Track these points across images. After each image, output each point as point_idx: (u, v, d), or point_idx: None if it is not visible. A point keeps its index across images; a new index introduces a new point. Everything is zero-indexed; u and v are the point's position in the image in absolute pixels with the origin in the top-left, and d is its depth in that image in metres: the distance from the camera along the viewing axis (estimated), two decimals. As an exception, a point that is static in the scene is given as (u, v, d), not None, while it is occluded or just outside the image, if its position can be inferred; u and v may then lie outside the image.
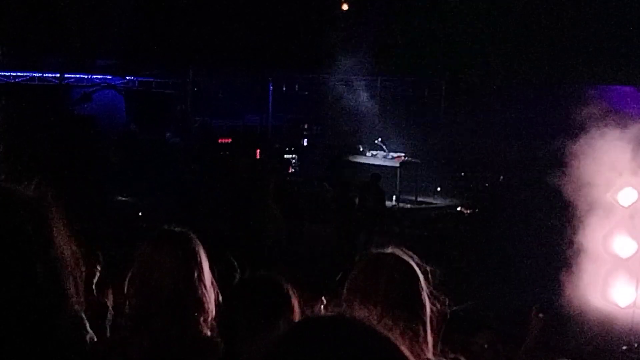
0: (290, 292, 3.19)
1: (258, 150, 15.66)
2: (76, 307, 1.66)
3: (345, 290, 3.37)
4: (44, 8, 14.79)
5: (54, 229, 1.67)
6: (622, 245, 10.68)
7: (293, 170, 15.93)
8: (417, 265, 3.38)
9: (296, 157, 16.09)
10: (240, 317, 3.01)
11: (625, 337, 10.68)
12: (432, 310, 3.36)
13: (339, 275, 9.53)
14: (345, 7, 15.79)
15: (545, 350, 10.88)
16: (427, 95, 15.88)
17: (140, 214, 13.30)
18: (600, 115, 13.85)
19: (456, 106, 14.94)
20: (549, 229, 12.39)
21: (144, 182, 13.53)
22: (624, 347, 10.57)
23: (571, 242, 11.66)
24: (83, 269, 1.77)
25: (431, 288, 3.37)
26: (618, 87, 15.15)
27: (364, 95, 16.37)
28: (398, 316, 3.07)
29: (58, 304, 1.62)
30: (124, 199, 14.24)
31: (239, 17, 15.35)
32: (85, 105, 15.95)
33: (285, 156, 16.05)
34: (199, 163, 14.99)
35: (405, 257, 3.36)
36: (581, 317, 11.14)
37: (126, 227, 11.61)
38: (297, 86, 16.77)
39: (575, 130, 13.75)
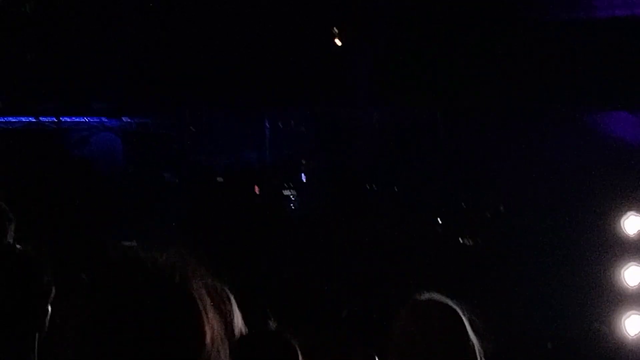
0: (297, 350, 3.16)
1: (257, 188, 15.69)
2: None
3: (393, 344, 3.35)
4: (38, 52, 14.80)
5: (202, 299, 1.62)
6: (629, 273, 10.73)
7: (293, 206, 15.92)
8: (461, 310, 3.38)
9: (295, 192, 16.08)
10: None
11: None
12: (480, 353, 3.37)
13: (345, 313, 9.54)
14: (339, 42, 15.81)
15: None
16: (425, 127, 15.89)
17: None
18: (598, 141, 13.95)
19: (455, 137, 14.96)
20: (554, 258, 12.42)
21: (146, 226, 13.51)
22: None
23: (577, 271, 11.71)
24: (227, 348, 1.72)
25: (477, 335, 3.37)
26: (613, 112, 15.22)
27: (361, 128, 16.38)
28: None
29: None
30: (127, 243, 14.20)
31: (233, 56, 15.37)
32: (83, 149, 15.95)
33: (284, 192, 16.04)
34: (198, 203, 15.00)
35: (452, 305, 3.36)
36: (591, 345, 11.17)
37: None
38: (293, 121, 16.76)
39: (574, 157, 13.85)
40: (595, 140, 14.46)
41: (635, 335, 10.69)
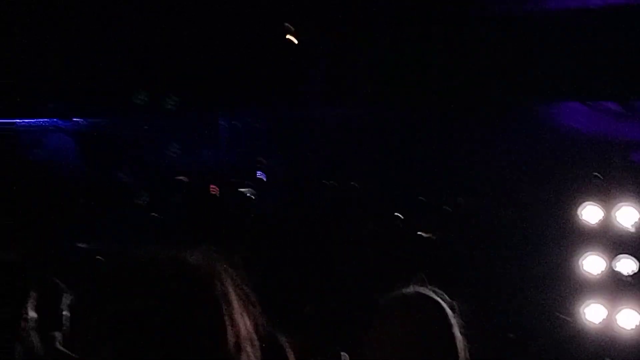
0: (286, 345, 3.15)
1: (214, 187, 15.64)
2: None
3: (370, 340, 3.33)
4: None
5: (233, 296, 1.60)
6: (588, 262, 10.85)
7: (251, 204, 15.88)
8: (447, 304, 3.37)
9: (252, 190, 16.05)
10: None
11: (596, 353, 10.83)
12: (465, 354, 3.36)
13: (307, 307, 9.52)
14: (294, 39, 15.78)
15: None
16: (381, 123, 15.92)
17: (99, 258, 13.15)
18: (552, 132, 14.08)
19: (411, 133, 15.02)
20: (514, 249, 12.53)
21: (102, 227, 13.41)
22: (595, 363, 10.70)
23: (536, 261, 11.82)
24: (257, 347, 1.70)
25: (463, 329, 3.37)
26: (565, 103, 15.35)
27: (319, 126, 16.38)
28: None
29: None
30: (82, 245, 14.08)
31: (186, 53, 15.28)
32: (36, 151, 15.79)
33: (242, 190, 16.00)
34: (156, 203, 14.92)
35: (437, 298, 3.34)
36: (552, 334, 11.28)
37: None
38: (249, 119, 16.71)
39: (529, 149, 13.98)
40: (550, 131, 14.58)
41: (595, 323, 10.82)
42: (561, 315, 11.33)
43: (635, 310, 10.33)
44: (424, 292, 3.51)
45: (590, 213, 11.07)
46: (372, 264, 12.60)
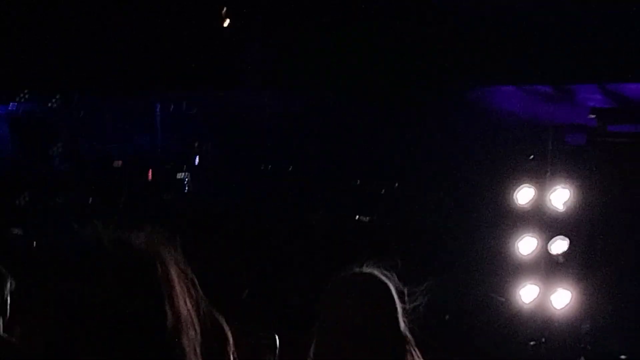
0: (226, 328, 3.15)
1: (150, 171, 15.54)
2: None
3: (321, 316, 3.33)
4: None
5: (175, 278, 1.60)
6: (523, 243, 10.97)
7: (187, 189, 15.81)
8: (395, 286, 3.37)
9: (188, 175, 15.97)
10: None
11: (532, 332, 10.96)
12: (409, 335, 3.37)
13: (245, 293, 9.51)
14: (226, 22, 15.70)
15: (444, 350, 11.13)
16: (317, 108, 15.94)
17: (34, 244, 13.04)
18: (488, 116, 14.20)
19: (346, 118, 15.04)
20: (450, 232, 12.62)
21: (37, 213, 13.27)
22: (532, 343, 10.85)
23: (472, 244, 11.94)
24: (197, 329, 1.69)
25: (407, 313, 3.37)
26: (500, 87, 15.47)
27: (253, 111, 16.33)
28: (381, 346, 3.08)
29: None
30: (16, 232, 13.92)
31: (120, 38, 15.13)
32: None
33: (178, 176, 15.92)
34: (92, 189, 14.79)
35: (385, 279, 3.34)
36: (488, 315, 11.40)
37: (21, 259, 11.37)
38: (184, 104, 16.61)
39: (463, 133, 14.08)
40: (484, 114, 14.71)
41: (530, 304, 10.95)
42: (497, 297, 11.46)
43: (568, 290, 10.49)
44: (372, 272, 3.51)
45: (525, 195, 11.18)
46: (308, 247, 12.64)
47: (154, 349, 1.55)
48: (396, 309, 3.45)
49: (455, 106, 14.79)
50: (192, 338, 1.63)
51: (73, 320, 1.54)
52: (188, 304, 1.64)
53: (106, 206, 13.96)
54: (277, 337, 6.52)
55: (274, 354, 6.40)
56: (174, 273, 1.62)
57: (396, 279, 3.53)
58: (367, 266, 3.57)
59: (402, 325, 3.45)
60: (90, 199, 14.44)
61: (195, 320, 1.68)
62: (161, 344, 1.56)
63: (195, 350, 1.64)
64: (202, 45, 15.37)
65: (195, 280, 1.70)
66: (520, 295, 10.86)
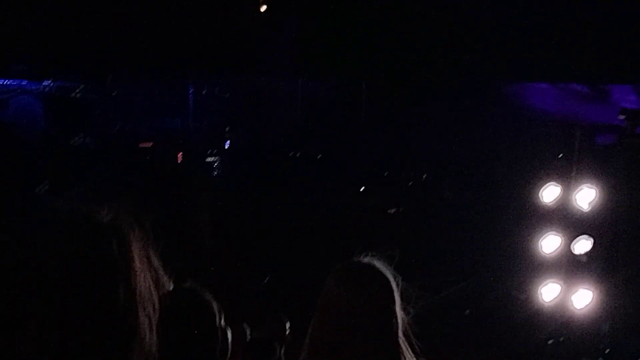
0: (214, 306, 3.14)
1: (180, 154, 15.60)
2: (150, 346, 1.61)
3: (319, 303, 3.32)
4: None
5: (135, 256, 1.60)
6: (547, 241, 10.87)
7: (216, 173, 15.87)
8: (394, 277, 3.35)
9: (219, 159, 16.02)
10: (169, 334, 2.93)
11: (552, 331, 10.87)
12: (404, 324, 3.35)
13: (266, 279, 9.47)
14: (263, 8, 15.73)
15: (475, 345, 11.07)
16: (349, 96, 15.92)
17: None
18: (519, 112, 14.11)
19: (378, 107, 15.01)
20: (475, 227, 12.55)
21: (67, 190, 13.34)
22: (550, 341, 10.77)
23: (496, 240, 11.86)
24: (157, 303, 1.70)
25: (404, 304, 3.35)
26: (534, 84, 15.39)
27: (285, 97, 16.37)
28: (374, 335, 3.06)
29: (131, 338, 1.57)
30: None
31: (157, 20, 15.20)
32: (2, 112, 15.70)
33: (208, 159, 15.98)
34: (119, 168, 14.86)
35: (383, 269, 3.32)
36: (508, 312, 11.33)
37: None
38: (217, 88, 16.67)
39: (495, 128, 14.00)
40: (517, 111, 14.63)
41: (551, 303, 10.86)
42: (518, 294, 11.39)
43: (589, 290, 10.39)
44: (370, 262, 3.48)
45: (551, 193, 11.07)
46: (333, 237, 12.61)
47: (104, 321, 1.56)
48: (393, 299, 3.42)
49: (489, 101, 14.72)
50: (148, 314, 1.63)
51: (20, 288, 1.55)
52: (147, 281, 1.64)
53: (133, 186, 13.99)
54: (287, 323, 6.51)
55: (283, 340, 6.40)
56: (134, 250, 1.62)
57: (393, 271, 3.50)
58: (366, 256, 3.55)
59: (398, 315, 3.42)
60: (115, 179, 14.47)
61: (155, 300, 1.68)
62: (112, 318, 1.57)
63: (150, 326, 1.64)
64: (237, 29, 15.42)
65: (157, 261, 1.70)
66: (541, 294, 10.76)
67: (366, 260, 3.50)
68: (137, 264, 1.64)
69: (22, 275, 1.56)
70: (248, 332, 6.34)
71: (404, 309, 3.48)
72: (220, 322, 3.25)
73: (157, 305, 1.70)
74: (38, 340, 1.53)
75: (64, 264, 1.56)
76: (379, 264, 3.47)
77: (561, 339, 10.61)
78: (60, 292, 1.55)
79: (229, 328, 3.37)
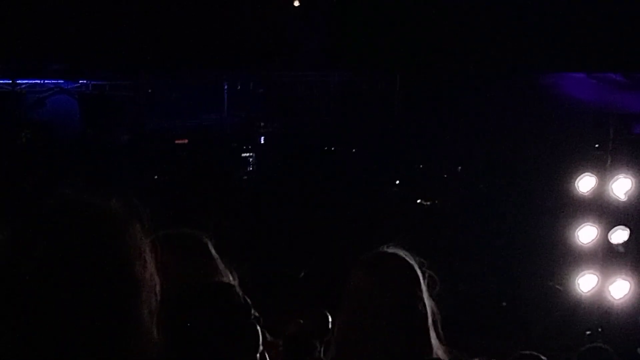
0: (247, 299, 3.14)
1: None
2: (151, 337, 1.62)
3: (345, 294, 3.33)
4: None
5: (136, 248, 1.62)
6: (583, 232, 10.81)
7: (251, 168, 15.94)
8: (419, 266, 3.35)
9: (253, 155, 16.09)
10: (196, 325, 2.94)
11: (589, 321, 10.81)
12: (432, 314, 3.35)
13: (302, 274, 9.48)
14: (297, 2, 15.76)
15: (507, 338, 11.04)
16: (382, 89, 15.92)
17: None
18: (555, 103, 14.03)
19: (411, 99, 14.98)
20: (511, 218, 12.52)
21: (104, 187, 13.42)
22: (588, 332, 10.71)
23: (532, 231, 11.82)
24: (158, 295, 1.72)
25: (430, 292, 3.36)
26: (570, 74, 15.30)
27: (319, 91, 16.40)
28: (400, 324, 3.07)
29: (132, 327, 1.59)
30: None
31: (190, 18, 15.26)
32: (39, 111, 15.83)
33: (243, 155, 16.05)
34: (155, 165, 14.98)
35: (409, 260, 3.32)
36: (545, 303, 11.29)
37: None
38: (252, 84, 16.73)
39: (530, 119, 13.94)
40: (553, 101, 14.55)
41: (588, 293, 10.81)
42: (555, 285, 11.35)
43: (627, 280, 10.33)
44: (396, 252, 3.47)
45: (587, 184, 11.00)
46: (370, 229, 12.62)
47: (106, 310, 1.58)
48: (419, 286, 3.41)
49: (524, 91, 14.66)
50: (152, 306, 1.65)
51: (23, 279, 1.58)
52: (152, 273, 1.66)
53: (169, 181, 14.10)
54: (329, 316, 6.51)
55: (325, 333, 6.39)
56: (138, 241, 1.64)
57: (418, 260, 3.49)
58: (391, 246, 3.54)
59: (426, 304, 3.41)
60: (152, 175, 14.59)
61: (158, 289, 1.69)
62: (114, 306, 1.59)
63: (152, 317, 1.65)
64: (271, 24, 15.46)
65: (161, 251, 1.72)
66: (578, 284, 10.71)
67: (391, 249, 3.50)
68: (142, 254, 1.66)
69: (18, 268, 1.59)
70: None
71: (432, 297, 3.48)
72: (252, 317, 3.26)
73: (159, 296, 1.72)
74: (42, 330, 1.56)
75: (66, 254, 1.58)
76: (403, 253, 3.47)
77: (599, 329, 10.56)
78: (64, 282, 1.57)
79: (260, 323, 3.38)
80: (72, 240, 1.60)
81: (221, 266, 3.44)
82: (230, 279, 3.40)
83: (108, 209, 1.65)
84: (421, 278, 3.41)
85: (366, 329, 3.20)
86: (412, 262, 3.41)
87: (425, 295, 3.37)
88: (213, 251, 3.41)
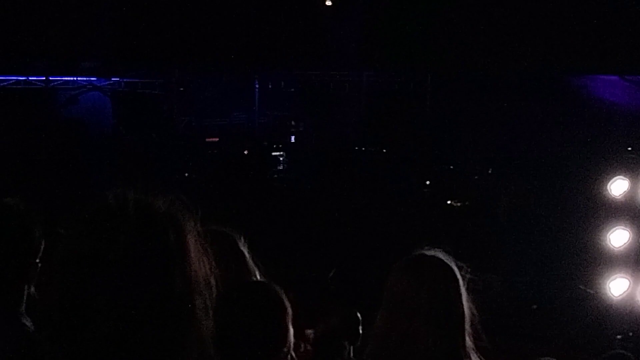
0: (284, 298, 3.15)
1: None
2: (207, 331, 1.65)
3: (385, 295, 3.34)
4: (27, 12, 14.72)
5: (191, 244, 1.65)
6: (615, 235, 10.71)
7: (281, 167, 15.98)
8: (458, 268, 3.35)
9: (284, 154, 16.12)
10: (234, 326, 2.95)
11: (620, 326, 10.72)
12: (471, 316, 3.35)
13: (332, 273, 9.45)
14: (329, 2, 15.77)
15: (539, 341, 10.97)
16: (413, 89, 15.90)
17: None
18: (588, 105, 13.95)
19: (442, 99, 14.95)
20: (541, 220, 12.45)
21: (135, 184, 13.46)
22: (619, 336, 10.62)
23: (563, 234, 11.75)
24: (214, 290, 1.74)
25: (469, 294, 3.35)
26: (603, 76, 15.21)
27: (350, 91, 16.42)
28: (438, 326, 3.07)
29: (188, 324, 1.61)
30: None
31: (223, 16, 15.31)
32: (72, 108, 15.94)
33: (273, 153, 16.09)
34: (187, 162, 15.04)
35: (448, 261, 3.32)
36: (576, 307, 11.22)
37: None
38: (283, 83, 16.77)
39: (562, 121, 13.86)
40: (585, 103, 14.48)
41: (619, 297, 10.72)
42: (586, 289, 11.28)
43: (659, 285, 10.25)
44: (436, 254, 3.47)
45: (619, 187, 10.91)
46: (400, 229, 12.61)
47: (162, 307, 1.60)
48: (459, 290, 3.41)
49: (557, 93, 14.59)
50: (205, 301, 1.67)
51: (78, 279, 1.60)
52: (203, 269, 1.68)
53: (198, 179, 14.16)
54: (359, 316, 6.49)
55: (354, 333, 6.38)
56: (189, 240, 1.66)
57: (456, 261, 3.49)
58: (430, 249, 3.54)
59: (465, 307, 3.41)
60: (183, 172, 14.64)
61: (212, 285, 1.72)
62: (170, 304, 1.61)
63: (207, 312, 1.68)
64: (303, 24, 15.47)
65: (209, 251, 1.74)
66: (609, 288, 10.61)
67: (430, 252, 3.49)
68: (193, 252, 1.68)
69: (84, 265, 1.61)
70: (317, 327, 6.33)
71: (470, 300, 3.47)
72: (288, 316, 3.27)
73: (214, 293, 1.73)
74: (101, 327, 1.58)
75: (123, 253, 1.60)
76: (443, 256, 3.46)
77: (630, 333, 10.48)
78: (120, 280, 1.59)
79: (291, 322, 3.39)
80: (128, 240, 1.62)
81: (250, 264, 3.48)
82: (258, 276, 3.42)
83: (161, 208, 1.67)
84: (461, 281, 3.41)
85: (405, 329, 3.20)
86: (452, 264, 3.41)
87: (464, 297, 3.37)
88: (243, 249, 3.45)
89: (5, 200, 3.29)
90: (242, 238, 3.45)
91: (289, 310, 3.16)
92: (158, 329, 1.59)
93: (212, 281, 1.72)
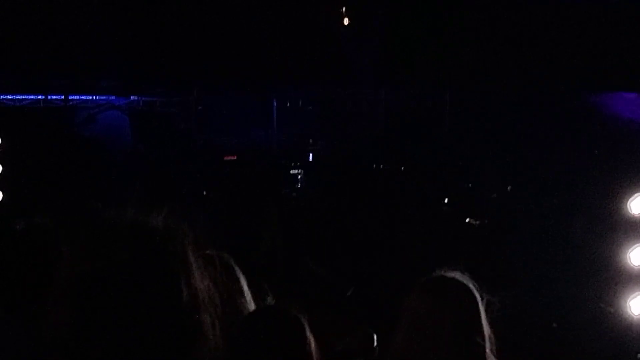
0: (305, 324, 3.13)
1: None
2: (214, 345, 1.64)
3: (405, 315, 3.32)
4: (47, 31, 14.81)
5: (192, 258, 1.66)
6: (635, 253, 10.66)
7: (299, 185, 15.97)
8: (478, 291, 3.34)
9: (302, 172, 16.12)
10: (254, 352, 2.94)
11: (640, 345, 10.66)
12: (490, 336, 3.34)
13: (350, 291, 9.45)
14: (346, 21, 15.80)
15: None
16: (432, 107, 15.89)
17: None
18: (606, 122, 13.91)
19: (461, 117, 14.94)
20: (561, 239, 12.40)
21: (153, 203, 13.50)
22: (639, 356, 10.58)
23: (583, 252, 11.70)
24: (218, 304, 1.74)
25: (489, 317, 3.33)
26: (622, 93, 15.17)
27: (368, 109, 16.41)
28: (461, 347, 3.07)
29: (195, 336, 1.61)
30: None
31: (241, 35, 15.36)
32: (90, 127, 16.02)
33: (292, 171, 16.09)
34: (204, 181, 15.07)
35: (468, 284, 3.31)
36: (595, 326, 11.16)
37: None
38: (300, 101, 16.79)
39: (581, 138, 13.83)
40: (604, 121, 14.44)
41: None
42: (606, 307, 11.21)
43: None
44: (455, 276, 3.48)
45: (638, 204, 10.85)
46: (417, 248, 12.57)
47: (168, 324, 1.60)
48: (478, 312, 3.41)
49: (575, 110, 14.56)
50: (211, 314, 1.67)
51: (87, 299, 1.60)
52: (206, 282, 1.69)
53: (216, 199, 14.18)
54: (374, 335, 6.49)
55: (370, 352, 6.37)
56: (190, 253, 1.66)
57: (477, 286, 3.48)
58: (450, 270, 3.54)
59: (485, 331, 3.41)
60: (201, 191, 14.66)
61: (216, 298, 1.72)
62: (175, 320, 1.61)
63: (214, 327, 1.68)
64: (320, 42, 15.51)
65: (217, 262, 1.74)
66: (630, 306, 10.56)
67: (450, 274, 3.49)
68: (194, 266, 1.69)
69: (90, 282, 1.61)
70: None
71: (489, 319, 3.46)
72: (308, 338, 3.26)
73: (219, 305, 1.74)
74: (109, 341, 1.58)
75: (127, 270, 1.61)
76: (463, 278, 3.46)
77: (651, 353, 10.41)
78: (126, 297, 1.59)
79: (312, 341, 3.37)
80: (130, 257, 1.62)
81: (245, 287, 3.50)
82: (249, 299, 3.43)
83: (160, 224, 1.68)
84: (480, 302, 3.40)
85: (424, 351, 3.20)
86: (471, 286, 3.40)
87: (484, 318, 3.37)
88: (238, 272, 3.47)
89: (35, 220, 3.32)
90: (234, 261, 3.47)
91: (310, 338, 3.16)
92: (168, 342, 1.59)
93: (217, 300, 1.72)
